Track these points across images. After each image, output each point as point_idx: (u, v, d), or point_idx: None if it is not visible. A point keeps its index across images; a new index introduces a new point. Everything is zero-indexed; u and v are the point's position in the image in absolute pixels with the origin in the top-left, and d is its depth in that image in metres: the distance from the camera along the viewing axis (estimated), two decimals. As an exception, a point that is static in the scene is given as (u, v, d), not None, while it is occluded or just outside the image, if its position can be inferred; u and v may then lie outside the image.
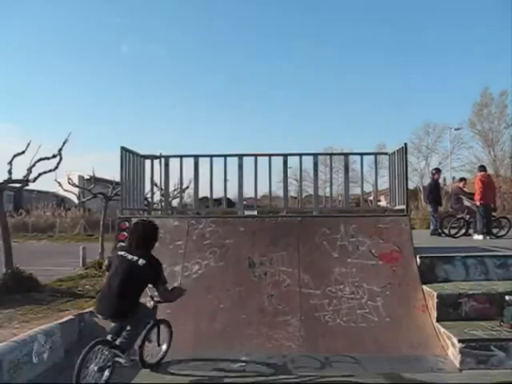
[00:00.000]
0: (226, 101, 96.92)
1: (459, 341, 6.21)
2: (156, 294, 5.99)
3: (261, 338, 6.96)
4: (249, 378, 5.95)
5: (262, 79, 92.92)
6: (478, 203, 12.97)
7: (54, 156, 12.59)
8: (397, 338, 6.85)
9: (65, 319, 7.18)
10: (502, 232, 13.54)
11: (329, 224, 8.56)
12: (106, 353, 5.47)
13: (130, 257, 5.71)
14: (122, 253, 5.79)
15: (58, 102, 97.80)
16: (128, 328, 5.73)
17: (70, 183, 21.31)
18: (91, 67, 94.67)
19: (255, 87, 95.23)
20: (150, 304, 6.12)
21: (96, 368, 5.33)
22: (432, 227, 14.99)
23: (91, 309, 7.90)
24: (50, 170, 12.79)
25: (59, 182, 21.06)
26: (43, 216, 46.62)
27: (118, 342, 5.61)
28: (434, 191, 14.99)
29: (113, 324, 5.90)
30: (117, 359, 5.56)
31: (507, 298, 6.90)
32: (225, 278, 7.98)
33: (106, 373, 5.45)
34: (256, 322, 7.28)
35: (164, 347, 6.44)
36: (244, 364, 6.35)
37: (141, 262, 5.69)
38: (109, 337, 5.67)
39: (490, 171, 14.86)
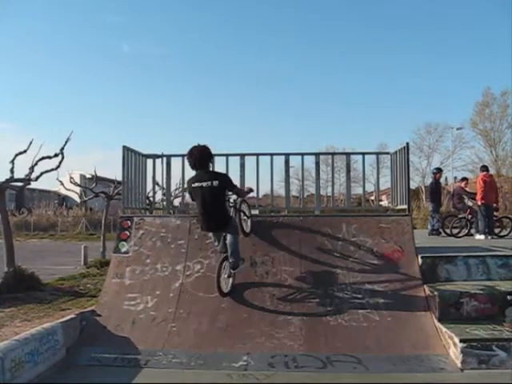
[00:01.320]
0: (228, 100, 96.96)
1: (461, 340, 6.20)
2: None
3: (262, 337, 6.95)
4: (250, 378, 5.96)
5: (264, 78, 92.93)
6: (479, 203, 12.98)
7: (56, 155, 12.62)
8: (398, 337, 6.84)
9: (66, 318, 7.17)
10: (504, 232, 13.55)
11: (330, 223, 8.55)
12: (228, 266, 7.51)
13: (205, 184, 7.21)
14: (196, 184, 7.29)
15: (60, 100, 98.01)
16: (229, 238, 7.47)
17: (71, 182, 21.37)
18: (92, 66, 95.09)
19: (257, 86, 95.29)
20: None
21: (225, 276, 7.57)
22: (430, 227, 15.00)
23: (93, 307, 7.93)
24: (52, 169, 12.83)
25: (61, 181, 21.05)
26: (45, 215, 46.80)
27: (230, 260, 7.46)
28: (436, 191, 15.00)
29: (217, 243, 7.77)
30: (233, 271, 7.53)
31: (509, 297, 6.91)
32: (226, 278, 7.98)
33: (231, 280, 7.70)
34: (257, 321, 7.27)
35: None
36: (245, 363, 6.33)
37: (215, 183, 7.20)
38: (224, 255, 7.55)
39: (491, 171, 14.84)
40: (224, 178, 7.43)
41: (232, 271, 7.49)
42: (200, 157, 7.29)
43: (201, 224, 7.67)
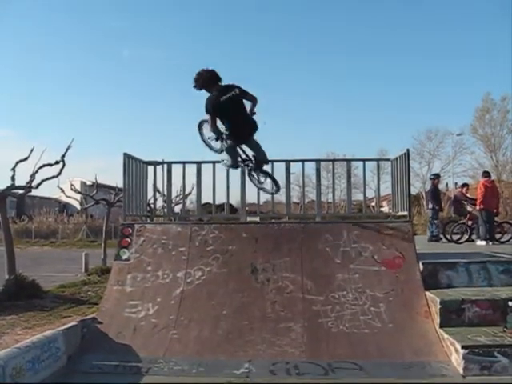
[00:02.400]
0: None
1: (462, 347, 6.19)
2: None
3: (264, 344, 6.95)
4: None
5: (264, 83, 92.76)
6: (479, 208, 12.98)
7: (57, 162, 12.65)
8: (400, 344, 6.84)
9: (67, 326, 7.16)
10: (505, 237, 13.54)
11: (331, 230, 8.55)
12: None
13: (230, 95, 7.67)
14: (224, 97, 7.62)
15: (62, 107, 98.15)
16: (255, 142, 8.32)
17: (72, 189, 21.37)
18: (93, 72, 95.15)
19: (257, 91, 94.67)
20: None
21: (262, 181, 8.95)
22: (429, 234, 15.00)
23: (94, 315, 7.93)
24: (53, 177, 12.86)
25: (62, 189, 21.09)
26: (46, 222, 46.83)
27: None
28: (435, 196, 15.03)
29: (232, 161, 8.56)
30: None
31: (510, 303, 6.88)
32: (227, 285, 7.97)
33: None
34: (259, 328, 7.27)
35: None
36: (247, 370, 6.32)
37: (236, 91, 7.72)
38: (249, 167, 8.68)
39: (492, 177, 14.86)
40: (238, 86, 7.82)
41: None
42: (213, 74, 7.72)
43: (234, 136, 8.06)
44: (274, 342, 6.96)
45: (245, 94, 7.86)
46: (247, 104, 8.00)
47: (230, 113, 7.78)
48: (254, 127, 8.06)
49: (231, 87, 7.74)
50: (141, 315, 7.61)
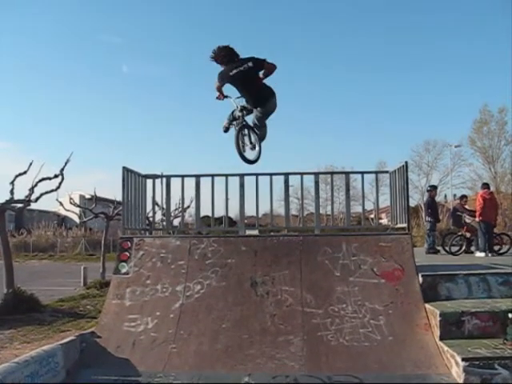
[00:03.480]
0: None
1: (463, 359, 6.17)
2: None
3: (263, 357, 6.93)
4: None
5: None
6: (478, 220, 13.00)
7: (56, 176, 12.68)
8: (400, 356, 6.82)
9: (66, 340, 7.14)
10: (504, 249, 13.54)
11: (330, 243, 8.54)
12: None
13: (235, 71, 7.51)
14: (232, 71, 7.52)
15: (61, 121, 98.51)
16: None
17: (71, 203, 21.36)
18: (93, 87, 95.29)
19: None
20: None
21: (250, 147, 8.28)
22: (426, 246, 15.01)
23: (93, 329, 7.90)
24: (52, 190, 12.89)
25: (60, 202, 21.09)
26: (44, 235, 46.81)
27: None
28: (432, 208, 15.06)
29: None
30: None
31: (510, 315, 6.87)
32: (227, 298, 7.96)
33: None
34: (258, 341, 7.25)
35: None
36: (247, 384, 6.32)
37: (248, 64, 7.54)
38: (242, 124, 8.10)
39: (491, 188, 14.90)
40: (254, 58, 7.65)
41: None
42: (226, 51, 7.62)
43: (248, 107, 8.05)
44: (273, 356, 6.94)
45: (261, 66, 7.68)
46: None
47: (241, 86, 7.76)
48: (267, 97, 7.85)
49: (246, 60, 7.62)
50: (140, 329, 7.59)
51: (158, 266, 8.50)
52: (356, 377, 6.36)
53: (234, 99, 8.01)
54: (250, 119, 8.18)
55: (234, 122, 8.18)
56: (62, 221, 55.36)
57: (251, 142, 8.17)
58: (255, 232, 10.21)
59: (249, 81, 7.62)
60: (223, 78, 7.68)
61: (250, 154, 8.22)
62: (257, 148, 8.12)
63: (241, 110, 7.99)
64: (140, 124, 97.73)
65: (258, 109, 7.88)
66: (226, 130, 8.43)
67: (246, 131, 8.03)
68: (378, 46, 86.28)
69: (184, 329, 7.53)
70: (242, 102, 8.00)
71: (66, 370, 6.64)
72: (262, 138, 8.24)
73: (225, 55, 7.58)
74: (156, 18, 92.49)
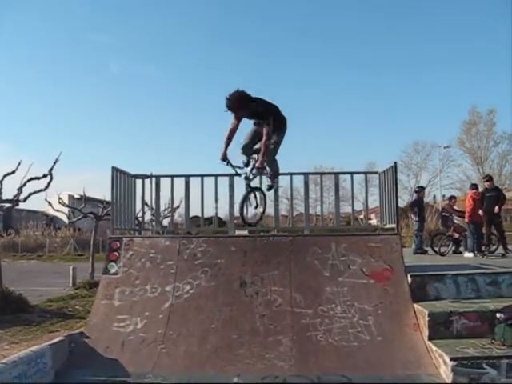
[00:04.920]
0: (217, 119, 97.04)
1: (451, 359, 6.20)
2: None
3: (253, 358, 6.93)
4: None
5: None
6: (467, 221, 13.06)
7: (45, 176, 12.63)
8: (389, 356, 6.84)
9: (55, 340, 7.11)
10: (492, 249, 13.61)
11: (320, 243, 8.55)
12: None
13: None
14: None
15: (49, 121, 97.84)
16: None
17: (60, 203, 21.25)
18: (82, 87, 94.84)
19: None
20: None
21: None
22: (414, 246, 15.08)
23: (82, 329, 7.87)
24: (41, 190, 12.83)
25: (49, 202, 20.96)
26: (33, 236, 46.55)
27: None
28: (420, 209, 15.13)
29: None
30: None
31: (498, 315, 6.92)
32: (216, 298, 7.95)
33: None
34: (248, 342, 7.25)
35: (260, 209, 7.97)
36: (236, 385, 6.31)
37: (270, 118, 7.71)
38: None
39: (479, 189, 14.97)
40: (271, 116, 7.88)
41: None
42: (240, 96, 7.67)
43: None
44: (262, 356, 6.95)
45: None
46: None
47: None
48: (279, 127, 8.08)
49: (265, 114, 7.79)
50: (129, 329, 7.57)
51: (147, 266, 8.48)
52: (345, 377, 6.38)
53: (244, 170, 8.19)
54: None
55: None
56: (51, 221, 55.03)
57: (256, 203, 8.34)
58: (245, 232, 10.20)
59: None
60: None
61: (251, 217, 8.34)
62: (260, 209, 8.18)
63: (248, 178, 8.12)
64: (130, 124, 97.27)
65: (271, 140, 7.97)
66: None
67: (253, 194, 8.14)
68: (369, 47, 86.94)
69: (173, 329, 7.51)
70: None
71: (55, 371, 6.61)
72: (276, 173, 8.35)
73: (239, 105, 7.63)
74: (143, 16, 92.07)
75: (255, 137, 7.81)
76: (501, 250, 13.19)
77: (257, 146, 7.91)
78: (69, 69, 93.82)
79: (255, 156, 7.95)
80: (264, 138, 7.64)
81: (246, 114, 7.53)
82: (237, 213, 9.04)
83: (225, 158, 7.64)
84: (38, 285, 17.57)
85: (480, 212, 12.92)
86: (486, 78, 79.83)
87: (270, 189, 7.96)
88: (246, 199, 8.01)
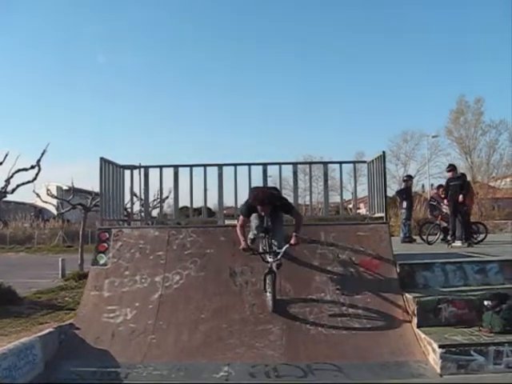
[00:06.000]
0: (205, 110, 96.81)
1: (439, 346, 6.27)
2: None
3: (242, 347, 6.95)
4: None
5: (239, 88, 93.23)
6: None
7: (33, 167, 12.55)
8: (378, 344, 6.89)
9: (44, 332, 7.10)
10: (480, 237, 13.70)
11: (309, 232, 8.56)
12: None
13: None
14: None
15: (37, 112, 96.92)
16: None
17: (48, 194, 21.13)
18: (69, 78, 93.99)
19: (232, 96, 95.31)
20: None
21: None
22: (402, 235, 15.15)
23: (71, 321, 7.86)
24: (29, 181, 12.75)
25: (37, 194, 20.83)
26: (21, 227, 46.23)
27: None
28: (407, 198, 15.19)
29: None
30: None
31: (486, 303, 6.99)
32: (206, 288, 7.97)
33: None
34: (238, 331, 7.27)
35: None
36: (226, 374, 6.33)
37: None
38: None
39: (467, 178, 15.06)
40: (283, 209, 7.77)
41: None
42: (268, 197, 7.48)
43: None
44: (253, 345, 6.97)
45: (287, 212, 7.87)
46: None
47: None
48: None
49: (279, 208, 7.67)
50: (119, 320, 7.57)
51: (136, 257, 8.47)
52: (335, 365, 6.41)
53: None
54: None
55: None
56: (39, 212, 54.66)
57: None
58: (234, 222, 10.19)
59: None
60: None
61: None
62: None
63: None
64: (118, 115, 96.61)
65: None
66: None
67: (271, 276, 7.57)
68: (357, 36, 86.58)
69: (163, 319, 7.52)
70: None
71: (45, 362, 6.60)
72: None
73: (269, 201, 7.44)
74: (130, 6, 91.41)
75: (261, 217, 7.68)
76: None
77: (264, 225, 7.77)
78: (56, 59, 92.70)
79: (262, 234, 7.84)
80: (296, 226, 7.64)
81: (270, 209, 7.46)
82: (226, 203, 9.03)
83: (248, 249, 7.50)
84: (27, 277, 17.48)
85: (458, 197, 12.95)
86: (474, 68, 79.85)
87: (279, 267, 7.63)
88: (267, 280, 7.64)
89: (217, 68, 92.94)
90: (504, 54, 78.15)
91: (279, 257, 7.29)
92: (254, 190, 7.98)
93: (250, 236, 8.04)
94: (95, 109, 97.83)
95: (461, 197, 12.69)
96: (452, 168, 13.78)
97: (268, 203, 7.30)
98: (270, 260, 7.28)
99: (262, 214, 7.41)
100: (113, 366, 6.59)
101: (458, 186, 12.96)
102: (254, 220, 7.69)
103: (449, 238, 12.98)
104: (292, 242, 7.39)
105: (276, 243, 7.51)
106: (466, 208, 13.15)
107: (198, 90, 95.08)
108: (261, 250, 7.77)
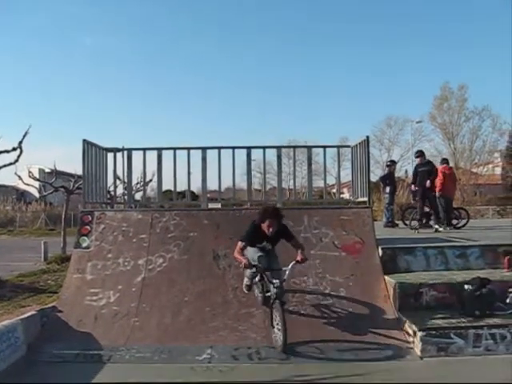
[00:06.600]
0: (189, 95, 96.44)
1: (420, 329, 6.35)
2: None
3: (226, 330, 6.99)
4: (214, 370, 5.98)
5: (224, 73, 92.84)
6: (438, 195, 13.22)
7: (14, 149, 12.41)
8: (360, 327, 6.94)
9: (27, 315, 7.08)
10: (461, 223, 13.83)
11: (292, 216, 8.57)
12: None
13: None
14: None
15: (19, 94, 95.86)
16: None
17: (30, 177, 20.94)
18: (54, 59, 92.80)
19: (217, 81, 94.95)
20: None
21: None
22: (385, 219, 15.26)
23: (54, 304, 7.84)
24: (10, 164, 12.60)
25: (19, 176, 20.63)
26: (3, 210, 45.84)
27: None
28: (391, 183, 15.28)
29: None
30: None
31: (466, 287, 7.08)
32: (189, 271, 7.98)
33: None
34: (221, 314, 7.31)
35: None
36: (209, 356, 6.36)
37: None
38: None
39: (450, 163, 15.17)
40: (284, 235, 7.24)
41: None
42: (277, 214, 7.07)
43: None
44: (235, 328, 7.01)
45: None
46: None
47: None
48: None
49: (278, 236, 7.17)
50: (102, 303, 7.57)
51: (119, 240, 8.45)
52: (317, 347, 6.46)
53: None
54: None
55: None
56: (21, 195, 54.19)
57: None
58: (218, 205, 10.20)
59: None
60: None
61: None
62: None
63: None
64: (102, 98, 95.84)
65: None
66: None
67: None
68: (340, 23, 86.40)
69: (146, 302, 7.53)
70: None
71: (27, 345, 6.59)
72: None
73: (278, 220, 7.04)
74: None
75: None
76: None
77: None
78: (41, 41, 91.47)
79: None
80: (300, 246, 7.17)
81: (276, 229, 6.98)
82: (210, 187, 8.95)
83: (251, 265, 7.00)
84: (9, 260, 17.35)
85: (413, 186, 13.05)
86: (458, 54, 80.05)
87: (282, 294, 6.84)
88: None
89: (203, 50, 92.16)
90: (488, 41, 78.48)
91: (286, 275, 6.80)
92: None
93: (248, 276, 7.30)
94: (79, 91, 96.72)
95: (428, 182, 12.85)
96: (420, 154, 13.95)
97: (276, 216, 6.95)
98: (274, 281, 6.65)
99: (269, 230, 6.91)
100: (96, 349, 6.59)
101: (426, 171, 13.12)
102: (251, 253, 7.09)
103: (432, 223, 13.09)
104: (298, 258, 6.89)
105: (276, 275, 6.83)
106: (435, 193, 13.28)
107: (184, 75, 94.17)
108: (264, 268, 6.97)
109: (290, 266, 6.84)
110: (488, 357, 6.19)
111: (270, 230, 6.92)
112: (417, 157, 13.98)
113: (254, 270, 6.89)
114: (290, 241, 7.17)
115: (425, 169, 13.21)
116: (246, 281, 7.39)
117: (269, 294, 6.78)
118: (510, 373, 5.69)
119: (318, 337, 6.74)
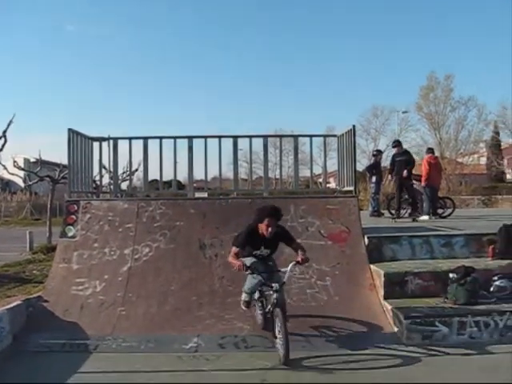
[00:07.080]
0: (176, 85, 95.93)
1: (405, 317, 6.40)
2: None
3: (212, 319, 7.00)
4: (201, 359, 6.00)
5: (209, 62, 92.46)
6: (423, 184, 13.29)
7: (-2, 138, 12.30)
8: (345, 316, 6.98)
9: (12, 305, 7.04)
10: (447, 212, 13.91)
11: (278, 205, 8.52)
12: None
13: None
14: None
15: (3, 82, 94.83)
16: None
17: (15, 166, 20.78)
18: (37, 46, 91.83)
19: (201, 70, 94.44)
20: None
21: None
22: (371, 209, 15.33)
23: (40, 293, 7.81)
24: (-6, 153, 12.50)
25: (4, 165, 20.46)
26: (-13, 200, 45.43)
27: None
28: (377, 172, 15.32)
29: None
30: None
31: (451, 275, 7.16)
32: (175, 260, 7.98)
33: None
34: (207, 303, 7.32)
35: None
36: (196, 345, 6.39)
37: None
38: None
39: (436, 153, 15.27)
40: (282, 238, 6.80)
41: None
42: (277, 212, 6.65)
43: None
44: (222, 317, 7.03)
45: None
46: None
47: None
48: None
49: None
50: (88, 292, 7.55)
51: (105, 229, 8.42)
52: (303, 335, 6.49)
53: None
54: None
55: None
56: (6, 185, 53.78)
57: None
58: (204, 195, 10.19)
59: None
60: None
61: None
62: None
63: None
64: (87, 86, 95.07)
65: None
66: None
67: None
68: (325, 12, 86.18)
69: (132, 292, 7.53)
70: None
71: (13, 335, 6.56)
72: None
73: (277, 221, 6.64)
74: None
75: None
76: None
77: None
78: (24, 26, 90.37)
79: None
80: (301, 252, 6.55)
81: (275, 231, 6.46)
82: (196, 176, 8.92)
83: (246, 268, 6.64)
84: (-6, 250, 17.27)
85: (403, 173, 13.11)
86: (444, 44, 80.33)
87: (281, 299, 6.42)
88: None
89: (189, 36, 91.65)
90: (474, 31, 78.82)
91: (286, 278, 6.37)
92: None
93: (246, 291, 6.79)
94: (64, 79, 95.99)
95: (405, 172, 12.90)
96: (397, 144, 14.05)
97: (275, 214, 6.54)
98: (273, 285, 6.25)
99: (268, 230, 6.45)
100: (82, 338, 6.59)
101: (403, 161, 13.19)
102: (247, 262, 6.56)
103: (418, 213, 13.17)
104: (299, 259, 6.43)
105: (275, 278, 6.44)
106: (412, 183, 13.38)
107: (171, 66, 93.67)
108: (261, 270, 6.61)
109: (289, 268, 6.38)
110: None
111: (269, 230, 6.44)
112: (394, 146, 14.09)
113: (248, 272, 6.43)
114: (291, 244, 6.75)
115: (402, 158, 13.28)
116: (244, 296, 6.88)
117: (269, 307, 6.32)
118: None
119: (304, 325, 6.76)
